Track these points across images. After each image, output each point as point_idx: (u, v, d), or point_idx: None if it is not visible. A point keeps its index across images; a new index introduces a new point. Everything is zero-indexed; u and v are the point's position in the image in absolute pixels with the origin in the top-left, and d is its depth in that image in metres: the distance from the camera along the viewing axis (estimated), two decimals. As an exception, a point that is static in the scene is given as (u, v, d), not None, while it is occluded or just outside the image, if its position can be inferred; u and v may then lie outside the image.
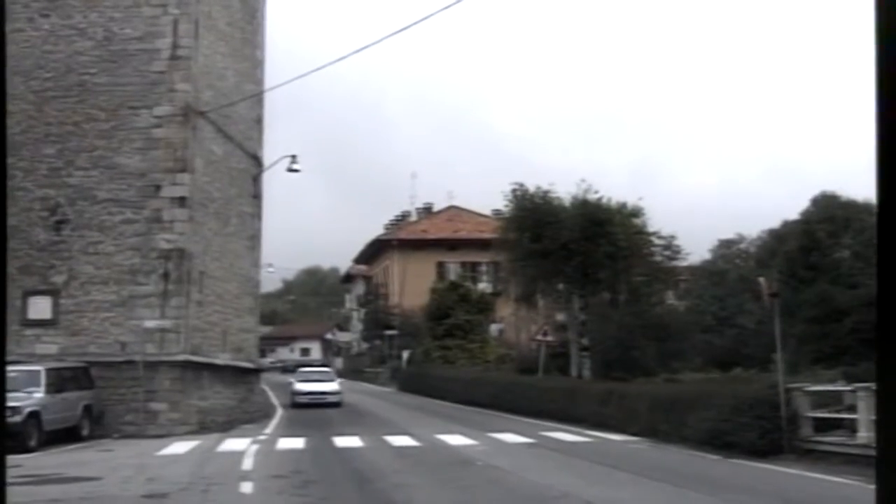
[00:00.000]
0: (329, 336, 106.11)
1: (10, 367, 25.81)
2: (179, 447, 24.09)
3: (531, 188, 39.75)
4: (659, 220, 40.63)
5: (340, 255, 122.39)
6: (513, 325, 53.55)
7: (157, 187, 30.07)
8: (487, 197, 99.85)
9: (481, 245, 55.66)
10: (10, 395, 24.07)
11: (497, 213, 47.05)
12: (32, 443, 23.70)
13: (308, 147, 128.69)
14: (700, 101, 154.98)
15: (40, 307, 29.51)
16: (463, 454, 22.07)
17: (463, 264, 68.63)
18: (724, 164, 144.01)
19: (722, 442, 21.82)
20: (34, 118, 30.29)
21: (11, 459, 20.82)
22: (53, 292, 29.72)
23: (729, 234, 52.39)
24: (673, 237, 40.01)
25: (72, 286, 29.77)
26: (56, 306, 29.65)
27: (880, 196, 2.57)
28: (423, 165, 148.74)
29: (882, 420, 2.58)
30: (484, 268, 65.02)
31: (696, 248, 45.57)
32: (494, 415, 35.24)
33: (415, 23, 19.38)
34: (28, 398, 24.31)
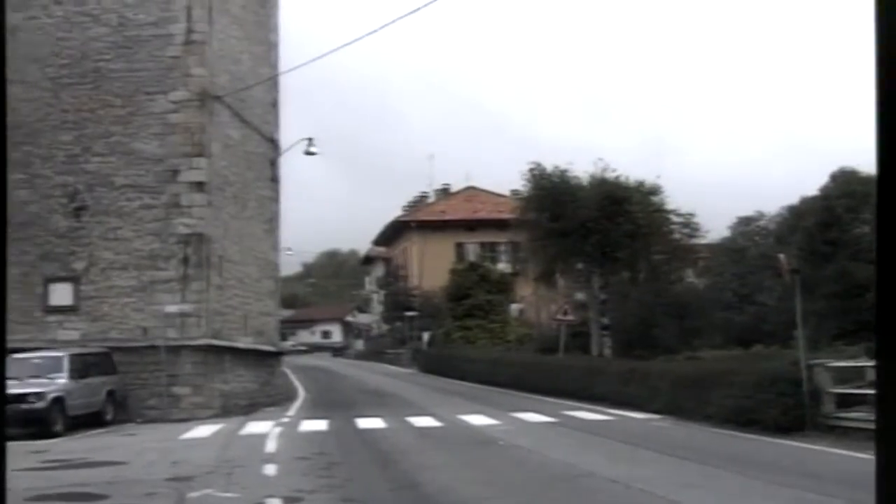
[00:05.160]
0: (349, 318, 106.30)
1: (33, 354, 26.01)
2: (203, 431, 24.22)
3: (548, 167, 39.64)
4: (677, 197, 40.48)
5: (359, 237, 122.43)
6: (533, 304, 53.49)
7: (175, 172, 30.10)
8: (505, 177, 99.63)
9: (500, 225, 55.56)
10: (34, 380, 24.34)
11: (515, 193, 46.88)
12: (57, 428, 23.88)
13: (325, 130, 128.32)
14: (714, 77, 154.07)
15: (62, 293, 29.66)
16: (485, 434, 22.11)
17: (482, 245, 68.57)
18: (741, 141, 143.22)
19: (745, 419, 21.78)
20: (51, 105, 30.37)
21: (38, 444, 21.09)
22: (74, 278, 29.85)
23: (748, 211, 52.06)
24: (692, 214, 39.82)
25: (92, 272, 29.88)
26: (77, 292, 29.79)
27: (880, 192, 2.61)
28: (439, 147, 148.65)
29: (881, 403, 2.60)
30: (503, 248, 64.93)
31: (715, 226, 45.26)
32: (516, 395, 35.26)
33: (424, 6, 19.26)
34: (52, 384, 24.51)
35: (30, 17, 30.56)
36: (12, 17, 30.39)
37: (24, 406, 23.73)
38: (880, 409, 2.58)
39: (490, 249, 67.67)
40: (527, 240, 42.77)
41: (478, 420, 25.41)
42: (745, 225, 51.32)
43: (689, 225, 39.98)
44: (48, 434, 23.13)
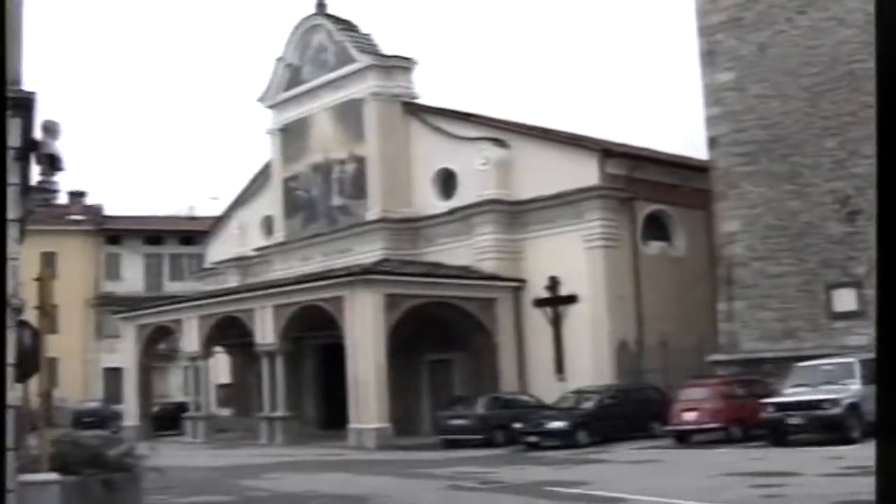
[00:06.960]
0: None
1: (823, 361, 26.40)
2: None
3: None
4: None
5: None
6: None
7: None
8: None
9: None
10: (826, 387, 24.77)
11: None
12: (854, 434, 23.84)
13: None
14: None
15: (845, 299, 29.67)
16: None
17: None
18: None
19: None
20: (809, 114, 30.72)
21: (835, 451, 21.39)
22: (856, 283, 29.68)
23: None
24: None
25: (873, 276, 29.40)
26: (861, 297, 29.58)
27: (880, 191, 2.73)
28: None
29: (881, 403, 2.72)
30: None
31: None
32: None
33: None
34: (845, 390, 24.61)
35: (777, 31, 31.39)
36: (759, 36, 31.64)
37: (820, 412, 24.22)
38: (880, 409, 2.73)
39: None
40: None
41: None
42: None
43: None
44: (845, 440, 23.28)
